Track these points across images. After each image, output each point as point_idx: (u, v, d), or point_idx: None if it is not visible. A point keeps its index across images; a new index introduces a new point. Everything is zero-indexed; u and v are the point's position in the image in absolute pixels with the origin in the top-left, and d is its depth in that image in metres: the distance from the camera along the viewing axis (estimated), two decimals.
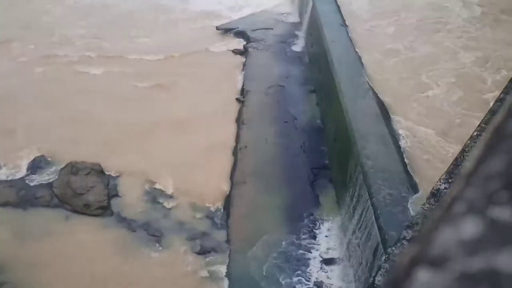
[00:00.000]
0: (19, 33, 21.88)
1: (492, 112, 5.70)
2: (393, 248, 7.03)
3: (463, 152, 5.82)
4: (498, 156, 0.85)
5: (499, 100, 5.92)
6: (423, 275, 0.68)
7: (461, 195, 0.82)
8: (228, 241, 12.07)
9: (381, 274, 6.17)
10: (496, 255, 0.64)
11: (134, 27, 23.27)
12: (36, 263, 11.13)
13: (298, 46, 22.49)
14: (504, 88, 6.59)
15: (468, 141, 6.12)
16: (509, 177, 0.76)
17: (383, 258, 8.28)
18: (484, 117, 6.01)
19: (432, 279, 0.66)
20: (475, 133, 6.06)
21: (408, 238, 5.72)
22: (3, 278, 10.78)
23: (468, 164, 0.93)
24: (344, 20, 19.15)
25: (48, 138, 15.05)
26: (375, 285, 6.24)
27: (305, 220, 12.59)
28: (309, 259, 11.60)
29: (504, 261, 0.63)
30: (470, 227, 0.71)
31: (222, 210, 12.98)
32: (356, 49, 16.75)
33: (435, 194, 5.84)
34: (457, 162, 5.79)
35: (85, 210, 12.63)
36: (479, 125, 6.08)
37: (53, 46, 21.07)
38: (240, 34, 23.26)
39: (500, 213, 0.72)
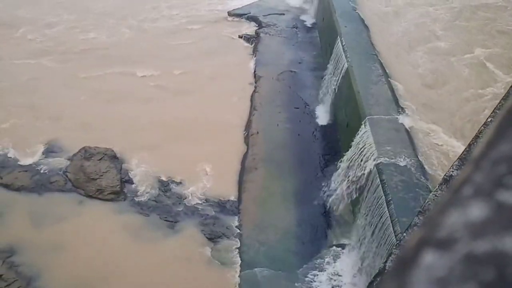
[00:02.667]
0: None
1: (506, 97, 5.64)
2: (404, 234, 7.04)
3: (476, 138, 5.77)
4: (508, 139, 0.84)
5: None
6: (429, 257, 0.68)
7: (469, 178, 0.82)
8: (239, 226, 12.16)
9: (391, 260, 6.18)
10: (502, 238, 0.65)
11: (143, 11, 23.25)
12: (51, 247, 11.32)
13: (310, 31, 22.32)
14: None
15: (482, 127, 6.07)
16: None
17: (395, 244, 8.29)
18: (498, 103, 5.95)
19: (437, 260, 0.67)
20: (489, 119, 6.00)
21: (420, 222, 5.72)
22: (19, 261, 10.99)
23: (477, 148, 0.93)
24: (357, 5, 18.92)
25: (63, 123, 15.21)
26: (385, 271, 6.26)
27: (317, 207, 12.62)
28: (321, 244, 11.64)
29: (509, 243, 0.63)
30: (477, 210, 0.72)
31: (233, 196, 13.05)
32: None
33: (447, 181, 5.82)
34: (470, 148, 5.75)
35: (98, 194, 12.78)
36: (493, 111, 6.02)
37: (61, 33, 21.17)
38: (252, 19, 23.14)
39: (508, 196, 0.72)
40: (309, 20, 23.37)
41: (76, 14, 22.80)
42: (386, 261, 6.47)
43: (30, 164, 13.70)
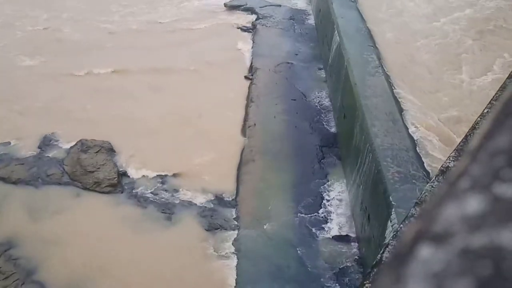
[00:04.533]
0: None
1: (503, 89, 5.63)
2: (401, 225, 7.05)
3: (473, 129, 5.78)
4: (504, 132, 0.84)
5: (510, 77, 5.84)
6: (425, 250, 0.68)
7: (466, 171, 0.81)
8: (237, 218, 12.17)
9: (388, 251, 6.20)
10: (499, 231, 0.64)
11: (138, 3, 23.11)
12: (48, 239, 11.32)
13: (307, 22, 22.24)
14: None
15: (479, 118, 6.06)
16: None
17: (391, 235, 8.32)
18: (495, 94, 5.94)
19: (434, 254, 0.66)
20: (485, 110, 6.00)
21: (416, 215, 5.73)
22: (17, 254, 10.99)
23: (474, 140, 0.92)
24: None
25: (59, 115, 15.15)
26: (382, 262, 6.28)
27: (314, 198, 12.64)
28: (318, 235, 11.67)
29: (506, 237, 0.63)
30: (474, 203, 0.71)
31: (231, 188, 13.04)
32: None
33: (444, 172, 5.82)
34: (467, 139, 5.75)
35: (95, 187, 12.76)
36: (489, 103, 6.01)
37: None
38: (249, 10, 23.03)
39: (505, 190, 0.71)
40: (305, 11, 23.27)
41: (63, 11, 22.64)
42: (383, 252, 6.48)
43: (26, 157, 13.65)
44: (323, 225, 11.94)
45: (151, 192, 12.80)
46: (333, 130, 15.04)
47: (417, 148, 10.94)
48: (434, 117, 12.08)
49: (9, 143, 14.09)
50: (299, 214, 12.19)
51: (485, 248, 0.63)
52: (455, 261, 0.63)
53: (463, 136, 6.22)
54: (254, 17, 22.43)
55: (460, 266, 0.62)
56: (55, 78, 17.13)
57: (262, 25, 21.55)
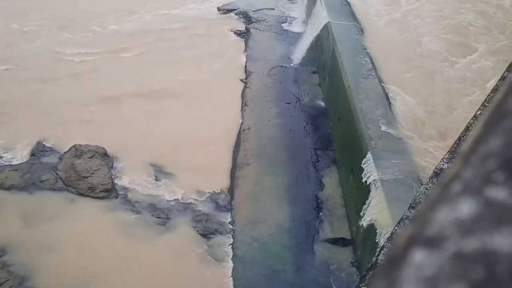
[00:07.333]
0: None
1: (495, 90, 5.66)
2: (396, 227, 7.07)
3: (466, 131, 5.80)
4: (496, 135, 0.84)
5: (503, 79, 5.87)
6: (418, 255, 0.68)
7: (458, 174, 0.81)
8: (232, 222, 12.15)
9: (383, 254, 6.21)
10: (491, 235, 0.64)
11: (131, 6, 23.11)
12: (42, 246, 11.25)
13: (301, 26, 22.30)
14: (508, 66, 6.53)
15: (472, 120, 6.09)
16: (505, 157, 0.76)
17: (386, 237, 8.34)
18: (487, 96, 5.98)
19: (427, 259, 0.66)
20: (478, 112, 6.03)
21: (410, 218, 5.74)
22: (11, 260, 10.91)
23: (467, 143, 0.92)
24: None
25: (52, 121, 15.08)
26: (377, 265, 6.28)
27: (309, 201, 12.64)
28: (313, 239, 11.67)
29: (499, 240, 0.63)
30: (466, 207, 0.71)
31: (226, 192, 13.03)
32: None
33: (437, 174, 5.84)
34: (460, 141, 5.77)
35: (89, 193, 12.70)
36: (482, 104, 6.04)
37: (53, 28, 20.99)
38: (242, 14, 23.08)
39: (496, 193, 0.71)
40: (299, 15, 23.34)
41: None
42: (378, 255, 6.49)
43: (20, 163, 13.58)
44: (317, 228, 11.94)
45: (145, 196, 12.76)
46: (327, 133, 15.06)
47: None
48: None
49: (2, 149, 14.00)
50: (294, 217, 12.19)
51: (478, 252, 0.63)
52: (447, 265, 0.63)
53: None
54: (247, 21, 22.47)
55: (452, 271, 0.62)
56: (48, 83, 17.08)
57: (256, 29, 21.60)
